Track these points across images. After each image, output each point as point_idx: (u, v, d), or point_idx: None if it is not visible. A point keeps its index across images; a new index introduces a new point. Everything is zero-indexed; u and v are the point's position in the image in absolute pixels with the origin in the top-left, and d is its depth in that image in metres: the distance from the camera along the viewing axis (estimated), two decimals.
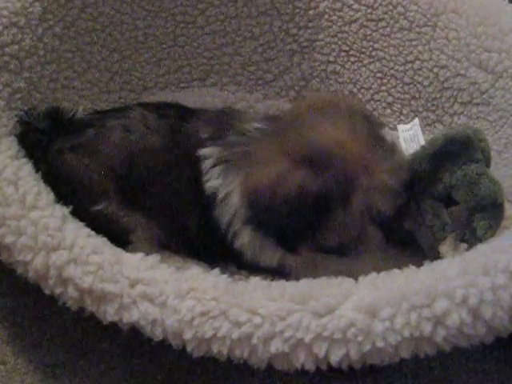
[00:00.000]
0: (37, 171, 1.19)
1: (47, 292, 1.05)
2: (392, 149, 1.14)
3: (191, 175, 1.19)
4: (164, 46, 1.66)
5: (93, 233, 1.10)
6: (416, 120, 1.47)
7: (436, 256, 1.15)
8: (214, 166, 1.17)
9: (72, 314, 1.05)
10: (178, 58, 1.69)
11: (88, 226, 1.13)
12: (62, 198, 1.16)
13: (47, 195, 1.13)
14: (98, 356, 1.15)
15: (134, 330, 1.00)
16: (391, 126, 1.63)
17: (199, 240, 1.23)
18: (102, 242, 1.08)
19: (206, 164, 1.17)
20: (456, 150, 1.18)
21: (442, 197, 1.18)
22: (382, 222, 1.12)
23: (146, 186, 1.22)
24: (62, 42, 1.45)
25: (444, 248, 1.16)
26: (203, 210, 1.19)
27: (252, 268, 1.21)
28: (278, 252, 1.16)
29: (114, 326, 1.01)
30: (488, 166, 1.21)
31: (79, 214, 1.16)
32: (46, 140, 1.25)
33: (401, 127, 1.49)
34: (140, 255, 1.06)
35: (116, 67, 1.61)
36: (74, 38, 1.50)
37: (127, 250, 1.11)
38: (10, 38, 1.32)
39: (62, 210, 1.12)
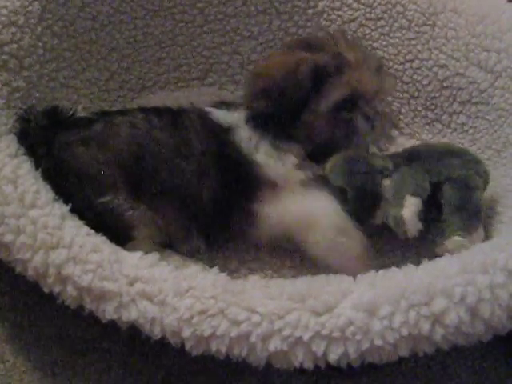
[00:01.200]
0: (37, 168, 1.19)
1: (46, 290, 1.04)
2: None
3: (200, 144, 1.27)
4: (163, 45, 1.67)
5: (92, 231, 1.10)
6: None
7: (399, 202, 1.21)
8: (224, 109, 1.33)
9: (71, 312, 1.05)
10: (177, 57, 1.69)
11: (91, 220, 1.14)
12: (64, 193, 1.16)
13: (46, 193, 1.13)
14: (97, 354, 1.15)
15: (133, 329, 1.00)
16: None
17: (211, 208, 1.26)
18: (101, 240, 1.08)
19: (217, 110, 1.33)
20: (469, 159, 1.27)
21: (432, 180, 1.24)
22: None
23: (154, 175, 1.24)
24: (61, 41, 1.46)
25: (412, 200, 1.21)
26: (218, 159, 1.27)
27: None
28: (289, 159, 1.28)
29: (113, 325, 1.01)
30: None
31: (83, 207, 1.16)
32: (49, 136, 1.25)
33: None
34: (139, 254, 1.06)
35: (115, 66, 1.61)
36: (73, 37, 1.50)
37: (128, 247, 1.12)
38: (9, 36, 1.32)
39: (61, 209, 1.12)
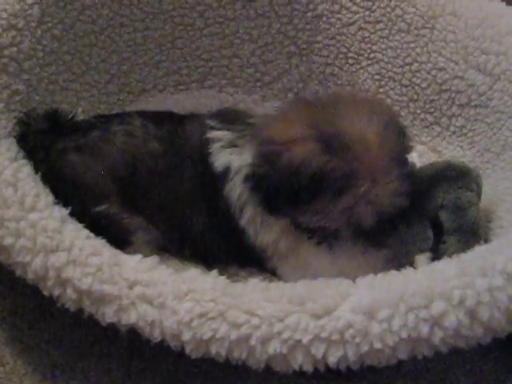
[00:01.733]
0: (36, 172, 1.19)
1: (46, 293, 1.05)
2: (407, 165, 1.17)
3: (194, 173, 1.22)
4: (162, 48, 1.67)
5: (92, 234, 1.10)
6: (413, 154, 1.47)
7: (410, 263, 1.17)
8: (223, 147, 1.20)
9: (71, 315, 1.05)
10: (177, 60, 1.69)
11: (89, 226, 1.13)
12: (62, 198, 1.16)
13: (46, 197, 1.13)
14: (97, 357, 1.15)
15: (133, 332, 1.00)
16: None
17: (203, 237, 1.24)
18: (100, 243, 1.08)
19: (216, 146, 1.20)
20: (454, 175, 1.22)
21: (432, 215, 1.21)
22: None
23: (147, 190, 1.23)
24: (60, 44, 1.46)
25: (421, 258, 1.18)
26: (209, 202, 1.21)
27: (252, 255, 1.23)
28: (274, 227, 1.19)
29: (112, 328, 1.01)
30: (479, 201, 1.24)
31: (80, 214, 1.16)
32: (48, 140, 1.25)
33: None
34: (139, 257, 1.06)
35: (115, 69, 1.62)
36: (73, 40, 1.50)
37: (127, 252, 1.12)
38: (9, 40, 1.32)
39: (61, 212, 1.12)
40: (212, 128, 1.23)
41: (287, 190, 1.09)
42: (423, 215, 1.21)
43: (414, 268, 1.12)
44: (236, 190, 1.18)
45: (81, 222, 1.14)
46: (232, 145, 1.20)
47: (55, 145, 1.25)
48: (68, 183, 1.21)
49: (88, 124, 1.29)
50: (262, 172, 1.12)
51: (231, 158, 1.19)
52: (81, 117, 1.33)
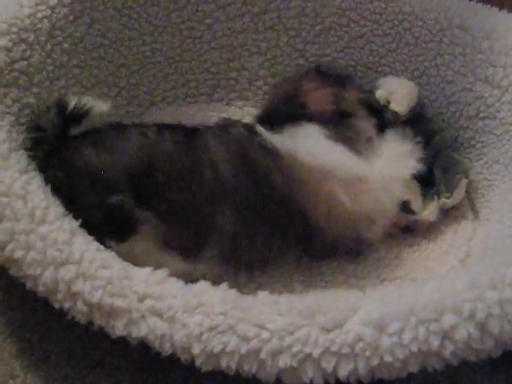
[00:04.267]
0: (49, 180, 1.20)
1: (56, 306, 1.05)
2: None
3: (214, 176, 1.25)
4: (171, 60, 1.68)
5: (102, 247, 1.11)
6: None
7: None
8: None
9: (81, 328, 1.05)
10: (185, 73, 1.70)
11: (101, 217, 1.17)
12: (76, 194, 1.19)
13: (56, 209, 1.14)
14: (107, 370, 1.15)
15: (143, 345, 1.00)
16: None
17: (234, 237, 1.25)
18: (110, 256, 1.08)
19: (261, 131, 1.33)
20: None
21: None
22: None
23: (161, 190, 1.24)
24: (70, 58, 1.47)
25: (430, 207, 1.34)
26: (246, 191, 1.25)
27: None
28: None
29: (122, 341, 1.01)
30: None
31: (93, 205, 1.19)
32: (60, 146, 1.27)
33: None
34: (148, 270, 1.06)
35: (123, 82, 1.62)
36: (82, 54, 1.51)
37: (131, 240, 1.16)
38: (19, 54, 1.33)
39: (71, 224, 1.12)
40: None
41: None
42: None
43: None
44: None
45: (96, 214, 1.18)
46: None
47: (69, 144, 1.27)
48: (83, 176, 1.22)
49: (102, 127, 1.34)
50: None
51: (279, 136, 1.31)
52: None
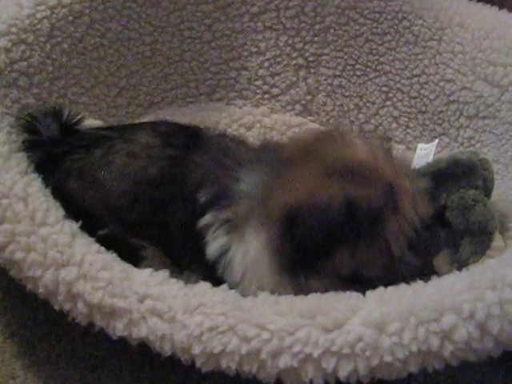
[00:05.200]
0: (46, 184, 1.20)
1: (57, 307, 1.05)
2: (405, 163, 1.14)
3: (182, 218, 1.17)
4: (171, 61, 1.68)
5: (102, 249, 1.11)
6: (435, 141, 1.45)
7: (431, 269, 1.17)
8: (218, 229, 1.12)
9: (81, 329, 1.05)
10: (185, 73, 1.70)
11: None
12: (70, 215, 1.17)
13: (56, 211, 1.14)
14: (107, 371, 1.15)
15: (143, 345, 1.00)
16: (397, 139, 1.64)
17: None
18: (111, 257, 1.09)
19: (210, 232, 1.13)
20: (458, 173, 1.20)
21: (436, 215, 1.19)
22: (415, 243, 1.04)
23: (145, 218, 1.21)
24: (70, 58, 1.47)
25: (438, 261, 1.18)
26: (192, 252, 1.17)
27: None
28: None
29: (123, 341, 1.01)
30: (488, 195, 1.22)
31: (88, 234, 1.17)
32: (57, 151, 1.26)
33: (420, 145, 1.47)
34: (149, 271, 1.07)
35: (123, 82, 1.62)
36: (82, 54, 1.51)
37: (141, 267, 1.13)
38: (19, 54, 1.33)
39: (71, 226, 1.12)
40: (202, 210, 1.14)
41: (334, 235, 1.00)
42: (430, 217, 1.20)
43: (437, 273, 1.12)
44: (233, 270, 1.11)
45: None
46: (225, 222, 1.12)
47: (62, 163, 1.25)
48: (72, 206, 1.21)
49: (94, 138, 1.28)
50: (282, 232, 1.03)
51: (227, 240, 1.11)
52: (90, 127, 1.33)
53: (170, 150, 1.22)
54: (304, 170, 1.06)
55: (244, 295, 1.04)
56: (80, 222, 1.14)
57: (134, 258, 1.19)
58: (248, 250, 1.09)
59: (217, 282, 1.08)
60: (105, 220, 1.22)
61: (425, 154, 1.52)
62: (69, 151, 1.26)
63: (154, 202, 1.20)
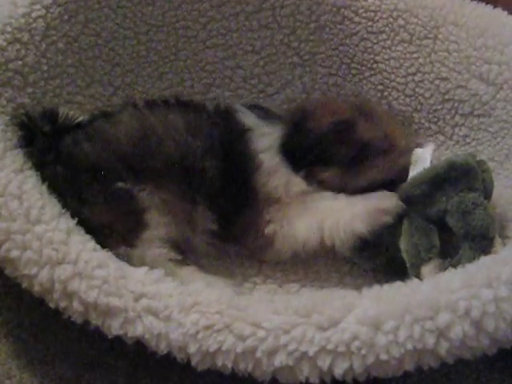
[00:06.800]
0: (44, 178, 1.21)
1: (52, 306, 1.05)
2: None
3: (212, 127, 1.33)
4: (166, 60, 1.67)
5: (98, 246, 1.11)
6: (431, 145, 1.46)
7: (416, 275, 1.18)
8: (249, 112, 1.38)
9: (77, 327, 1.05)
10: (180, 72, 1.69)
11: (107, 210, 1.19)
12: (78, 189, 1.21)
13: (52, 208, 1.14)
14: (103, 370, 1.15)
15: (139, 344, 1.00)
16: None
17: (215, 183, 1.29)
18: (106, 256, 1.09)
19: (241, 109, 1.39)
20: (456, 177, 1.20)
21: (436, 220, 1.20)
22: None
23: (158, 150, 1.28)
24: (65, 58, 1.47)
25: (426, 269, 1.18)
26: (224, 150, 1.31)
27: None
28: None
29: (118, 340, 1.01)
30: (487, 197, 1.22)
31: (98, 199, 1.21)
32: (55, 141, 1.28)
33: (416, 151, 1.47)
34: (144, 269, 1.07)
35: (119, 82, 1.62)
36: (77, 53, 1.51)
37: (143, 239, 1.18)
38: (14, 53, 1.34)
39: (67, 223, 1.12)
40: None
41: (332, 149, 1.28)
42: (427, 221, 1.21)
43: (421, 279, 1.13)
44: (261, 141, 1.32)
45: (101, 207, 1.21)
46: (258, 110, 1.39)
47: (66, 139, 1.28)
48: (84, 171, 1.24)
49: (92, 118, 1.37)
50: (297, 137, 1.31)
51: (258, 120, 1.35)
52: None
53: (171, 104, 1.38)
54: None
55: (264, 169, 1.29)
56: (76, 219, 1.15)
57: (137, 224, 1.22)
58: (273, 131, 1.34)
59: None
60: (115, 172, 1.24)
61: (421, 158, 1.51)
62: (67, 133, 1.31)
63: (166, 133, 1.30)
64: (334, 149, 1.29)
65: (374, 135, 1.30)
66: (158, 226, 1.24)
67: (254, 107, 1.42)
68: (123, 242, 1.19)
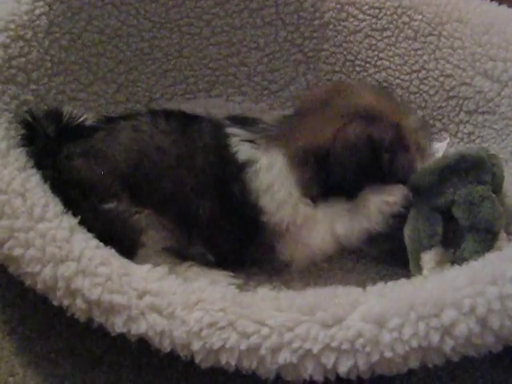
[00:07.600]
0: (45, 179, 1.20)
1: (55, 303, 1.05)
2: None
3: (206, 163, 1.26)
4: (170, 57, 1.67)
5: (101, 244, 1.10)
6: (447, 139, 1.46)
7: (416, 261, 1.19)
8: (242, 141, 1.27)
9: (80, 325, 1.05)
10: (184, 69, 1.70)
11: (100, 230, 1.15)
12: (71, 202, 1.17)
13: (55, 206, 1.13)
14: (107, 367, 1.15)
15: (143, 342, 1.00)
16: None
17: (212, 222, 1.26)
18: (110, 253, 1.08)
19: (235, 139, 1.27)
20: (466, 168, 1.19)
21: (442, 210, 1.19)
22: None
23: (154, 182, 1.24)
24: (68, 55, 1.47)
25: (426, 256, 1.18)
26: (221, 188, 1.25)
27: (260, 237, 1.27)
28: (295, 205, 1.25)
29: (122, 338, 1.01)
30: (497, 191, 1.21)
31: (90, 216, 1.17)
32: (54, 146, 1.26)
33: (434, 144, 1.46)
34: (148, 266, 1.06)
35: (122, 79, 1.62)
36: (81, 50, 1.51)
37: (140, 254, 1.16)
38: (17, 50, 1.33)
39: (70, 221, 1.12)
40: (227, 126, 1.30)
41: (361, 168, 1.22)
42: (433, 210, 1.20)
43: (420, 266, 1.15)
44: (261, 177, 1.24)
45: (93, 225, 1.15)
46: (250, 141, 1.27)
47: (62, 151, 1.26)
48: (76, 187, 1.22)
49: (94, 126, 1.32)
50: (312, 170, 1.23)
51: (254, 152, 1.25)
52: (89, 121, 1.34)
53: (176, 121, 1.31)
54: (322, 116, 1.26)
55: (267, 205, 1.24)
56: (78, 217, 1.14)
57: (133, 244, 1.20)
58: (274, 163, 1.25)
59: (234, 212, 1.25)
60: (110, 193, 1.22)
61: (437, 151, 1.51)
62: (68, 141, 1.28)
63: (164, 164, 1.26)
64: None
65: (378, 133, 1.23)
66: (154, 242, 1.23)
67: (244, 121, 1.34)
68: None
